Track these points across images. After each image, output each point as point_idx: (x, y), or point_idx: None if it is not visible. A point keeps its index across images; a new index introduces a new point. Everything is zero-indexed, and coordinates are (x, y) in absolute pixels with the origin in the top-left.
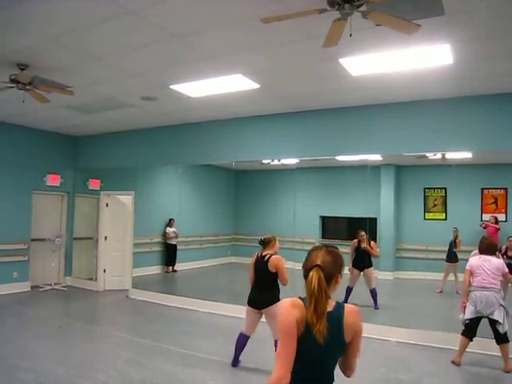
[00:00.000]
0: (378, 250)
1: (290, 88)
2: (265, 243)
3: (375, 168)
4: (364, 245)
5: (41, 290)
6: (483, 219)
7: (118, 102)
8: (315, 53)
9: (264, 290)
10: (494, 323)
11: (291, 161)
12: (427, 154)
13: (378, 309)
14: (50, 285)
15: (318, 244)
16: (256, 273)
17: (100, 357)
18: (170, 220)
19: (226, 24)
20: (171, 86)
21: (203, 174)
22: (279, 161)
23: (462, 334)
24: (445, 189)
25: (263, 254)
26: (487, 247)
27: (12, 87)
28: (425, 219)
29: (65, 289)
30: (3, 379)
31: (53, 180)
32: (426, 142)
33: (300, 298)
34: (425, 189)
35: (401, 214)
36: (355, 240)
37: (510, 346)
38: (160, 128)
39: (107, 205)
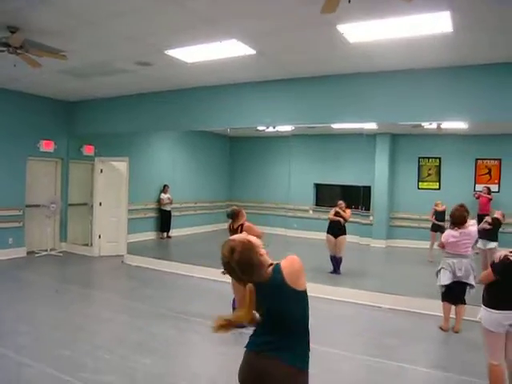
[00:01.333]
0: (349, 215)
1: (286, 54)
2: (234, 216)
3: (370, 136)
4: (341, 213)
5: (37, 255)
6: (476, 189)
7: (113, 67)
8: (312, 18)
9: None
10: (465, 286)
11: (286, 128)
12: (423, 124)
13: (339, 274)
14: (46, 250)
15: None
16: None
17: (96, 321)
18: (165, 186)
19: None
20: (166, 52)
21: (198, 141)
22: (274, 128)
23: (442, 300)
24: (439, 158)
25: (235, 226)
26: (459, 219)
27: (3, 51)
28: (418, 188)
29: (60, 254)
30: (2, 344)
31: (47, 146)
32: (421, 112)
33: None
34: (419, 158)
35: (395, 183)
36: (334, 209)
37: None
38: (155, 93)
39: (101, 171)
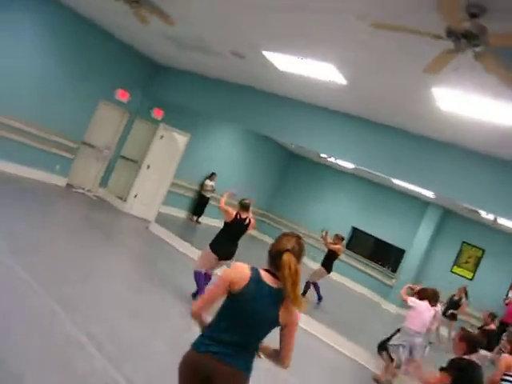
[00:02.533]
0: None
1: (375, 96)
2: (246, 207)
3: (424, 203)
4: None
5: (74, 190)
6: (509, 295)
7: (209, 47)
8: (413, 70)
9: (235, 244)
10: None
11: (348, 164)
12: (481, 211)
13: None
14: (83, 189)
15: (287, 231)
16: (234, 229)
17: (97, 271)
18: (212, 174)
19: (338, 9)
20: (264, 52)
21: (260, 144)
22: (335, 160)
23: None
24: (483, 250)
25: (242, 216)
26: (432, 296)
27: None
28: (451, 271)
29: (95, 198)
30: (18, 261)
31: (122, 96)
32: (489, 201)
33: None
34: (463, 242)
35: (430, 257)
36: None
37: None
38: (237, 85)
39: (162, 137)
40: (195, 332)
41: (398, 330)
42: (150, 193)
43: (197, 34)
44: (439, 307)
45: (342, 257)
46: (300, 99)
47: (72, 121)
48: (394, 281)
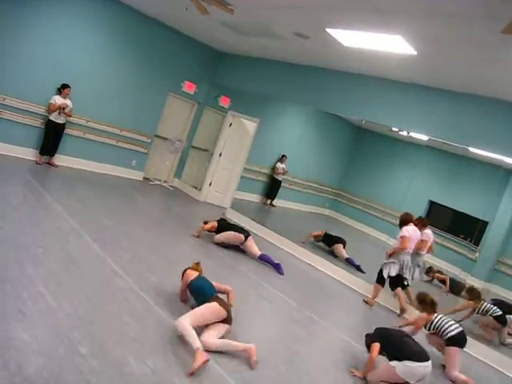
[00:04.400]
0: None
1: (449, 64)
2: None
3: (507, 171)
4: None
5: (151, 183)
6: None
7: (271, 31)
8: (489, 34)
9: None
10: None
11: (421, 136)
12: None
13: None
14: (160, 181)
15: None
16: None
17: (180, 257)
18: (283, 156)
19: None
20: (327, 29)
21: (328, 123)
22: (408, 133)
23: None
24: None
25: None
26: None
27: None
28: None
29: (171, 188)
30: (107, 250)
31: (189, 87)
32: None
33: None
34: None
35: None
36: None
37: None
38: (302, 66)
39: (231, 125)
40: None
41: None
42: (223, 180)
43: (257, 20)
44: (429, 231)
45: None
46: (368, 74)
47: (143, 117)
48: (477, 254)
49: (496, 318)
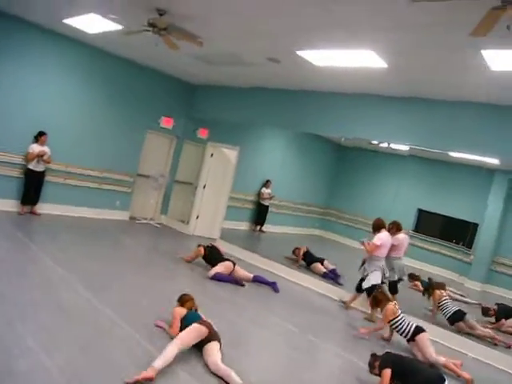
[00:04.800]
0: None
1: (420, 73)
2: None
3: (489, 171)
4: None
5: (137, 222)
6: None
7: (242, 59)
8: (457, 39)
9: None
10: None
11: (400, 146)
12: None
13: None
14: (146, 219)
15: None
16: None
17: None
18: (267, 181)
19: None
20: (298, 52)
21: (309, 143)
22: (388, 144)
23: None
24: None
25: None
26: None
27: (148, 31)
28: None
29: (158, 226)
30: (99, 297)
31: (166, 123)
32: None
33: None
34: None
35: (507, 226)
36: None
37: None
38: (276, 90)
39: (212, 155)
40: None
41: (362, 264)
42: (210, 211)
43: (227, 50)
44: (402, 235)
45: (413, 241)
46: (342, 91)
47: (124, 156)
48: (471, 257)
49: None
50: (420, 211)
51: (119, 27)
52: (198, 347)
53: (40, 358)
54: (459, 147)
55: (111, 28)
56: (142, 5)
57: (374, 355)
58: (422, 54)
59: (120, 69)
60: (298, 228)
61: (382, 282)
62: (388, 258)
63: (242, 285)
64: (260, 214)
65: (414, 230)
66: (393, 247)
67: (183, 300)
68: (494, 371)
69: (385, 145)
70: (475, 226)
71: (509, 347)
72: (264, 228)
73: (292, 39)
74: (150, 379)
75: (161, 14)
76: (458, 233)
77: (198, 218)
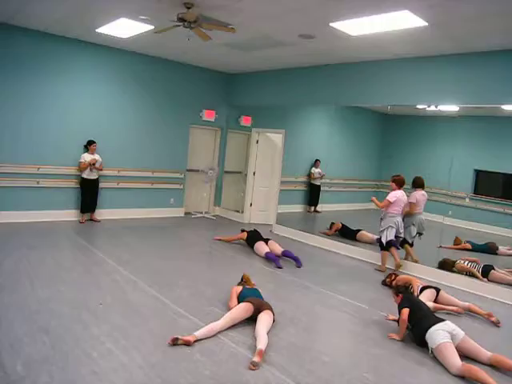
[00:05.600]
0: None
1: (465, 25)
2: None
3: None
4: None
5: (193, 216)
6: None
7: (276, 39)
8: None
9: None
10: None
11: (449, 108)
12: None
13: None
14: (201, 213)
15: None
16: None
17: (235, 279)
18: (316, 161)
19: None
20: (331, 24)
21: (352, 117)
22: (436, 107)
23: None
24: None
25: None
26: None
27: (179, 25)
28: None
29: (214, 218)
30: (165, 293)
31: (208, 115)
32: None
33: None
34: None
35: None
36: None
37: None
38: (314, 67)
39: (257, 141)
40: None
41: (381, 219)
42: (263, 198)
43: (260, 32)
44: (418, 192)
45: (474, 203)
46: (384, 58)
47: (172, 154)
48: None
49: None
50: (478, 172)
51: (151, 27)
52: (254, 319)
53: (119, 358)
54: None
55: (143, 29)
56: (168, 1)
57: (395, 289)
58: (463, 4)
59: (156, 69)
60: (353, 204)
61: (397, 237)
62: (408, 215)
63: (279, 267)
64: (313, 195)
65: (473, 193)
66: (411, 204)
67: (241, 279)
68: None
69: (432, 108)
70: None
71: None
72: (319, 208)
73: (323, 11)
74: (188, 343)
75: (188, 8)
76: None
77: (251, 205)
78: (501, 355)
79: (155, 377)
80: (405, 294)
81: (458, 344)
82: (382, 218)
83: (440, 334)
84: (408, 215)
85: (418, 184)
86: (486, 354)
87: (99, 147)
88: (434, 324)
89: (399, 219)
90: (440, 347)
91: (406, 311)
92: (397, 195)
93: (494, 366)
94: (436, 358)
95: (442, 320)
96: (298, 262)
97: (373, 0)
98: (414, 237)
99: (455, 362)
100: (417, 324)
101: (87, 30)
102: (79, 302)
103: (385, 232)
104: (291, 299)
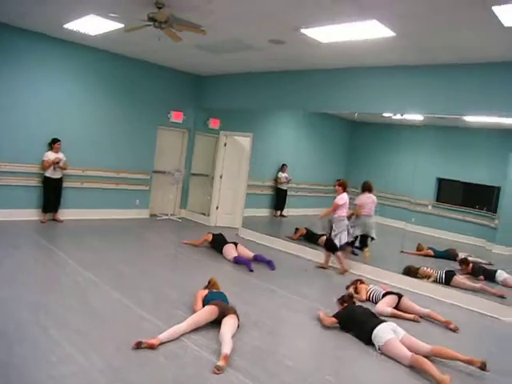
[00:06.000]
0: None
1: (429, 38)
2: None
3: (508, 132)
4: None
5: (158, 218)
6: None
7: (246, 43)
8: None
9: None
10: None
11: (414, 117)
12: None
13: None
14: (167, 215)
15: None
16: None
17: (201, 282)
18: (283, 165)
19: None
20: (302, 30)
21: (320, 123)
22: (402, 115)
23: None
24: None
25: None
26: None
27: (149, 25)
28: None
29: (180, 220)
30: (128, 296)
31: (176, 117)
32: None
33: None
34: None
35: None
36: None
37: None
38: (283, 72)
39: (225, 144)
40: None
41: (330, 221)
42: (229, 201)
43: (230, 35)
44: (368, 194)
45: (437, 211)
46: (352, 66)
47: (138, 155)
48: (496, 221)
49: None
50: (440, 180)
51: (120, 26)
52: (218, 322)
53: (79, 362)
54: (475, 110)
55: (112, 27)
56: (139, 0)
57: (340, 299)
58: (430, 17)
59: (125, 68)
60: (318, 209)
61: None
62: (357, 216)
63: (251, 270)
64: (279, 199)
65: (436, 200)
66: (356, 206)
67: (208, 283)
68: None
69: (398, 116)
70: (497, 189)
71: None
72: (285, 212)
73: (294, 17)
74: (152, 346)
75: (159, 8)
76: (481, 198)
77: (217, 208)
78: (440, 346)
79: (117, 381)
80: (348, 304)
81: (400, 341)
82: (330, 220)
83: (385, 332)
84: (356, 217)
85: (365, 188)
86: (426, 347)
87: (64, 146)
88: (377, 325)
89: (347, 222)
90: (387, 343)
91: (332, 321)
92: (344, 198)
93: (435, 358)
94: (385, 355)
95: (384, 321)
96: (271, 265)
97: (343, 9)
98: (356, 238)
99: (405, 353)
100: (360, 329)
101: (54, 25)
102: (38, 304)
103: (338, 236)
104: (256, 303)
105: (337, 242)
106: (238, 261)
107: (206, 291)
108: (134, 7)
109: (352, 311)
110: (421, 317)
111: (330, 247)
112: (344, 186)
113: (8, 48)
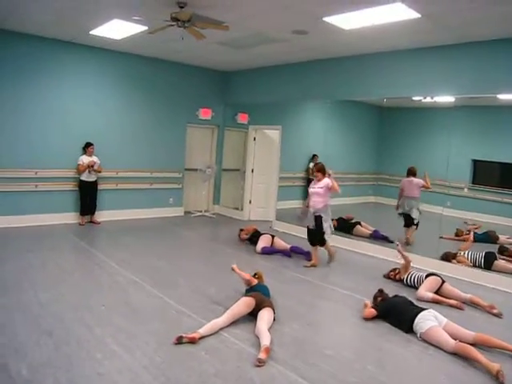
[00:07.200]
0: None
1: (457, 15)
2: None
3: None
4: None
5: (192, 215)
6: None
7: (269, 36)
8: None
9: None
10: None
11: (445, 99)
12: None
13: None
14: (201, 211)
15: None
16: None
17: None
18: (314, 156)
19: None
20: (324, 18)
21: (348, 110)
22: (432, 98)
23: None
24: None
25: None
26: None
27: (172, 25)
28: None
29: (213, 216)
30: (167, 292)
31: (205, 114)
32: None
33: None
34: None
35: None
36: None
37: None
38: (308, 62)
39: (255, 139)
40: None
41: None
42: (262, 194)
43: (253, 29)
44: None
45: (471, 193)
46: (379, 51)
47: (169, 153)
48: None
49: None
50: (475, 162)
51: (144, 28)
52: (255, 316)
53: (124, 358)
54: (509, 88)
55: (137, 30)
56: (161, 1)
57: (381, 290)
58: None
59: (152, 69)
60: (352, 198)
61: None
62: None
63: (289, 255)
64: None
65: (472, 183)
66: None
67: (254, 274)
68: None
69: (428, 99)
70: None
71: None
72: None
73: (316, 6)
74: (193, 340)
75: (181, 7)
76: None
77: (250, 202)
78: (484, 334)
79: (160, 376)
80: (383, 299)
81: (443, 328)
82: (307, 213)
83: (427, 320)
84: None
85: (408, 172)
86: (470, 334)
87: (97, 149)
88: (418, 313)
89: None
90: (429, 330)
91: (372, 312)
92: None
93: (479, 345)
94: (426, 342)
95: (424, 308)
96: (307, 257)
97: None
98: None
99: (448, 340)
100: (400, 319)
101: (80, 33)
102: (82, 304)
103: (329, 223)
104: (293, 294)
105: (329, 231)
106: (266, 252)
107: (256, 280)
108: (156, 9)
109: (391, 302)
110: (463, 302)
111: (321, 240)
112: (324, 172)
113: (44, 57)
